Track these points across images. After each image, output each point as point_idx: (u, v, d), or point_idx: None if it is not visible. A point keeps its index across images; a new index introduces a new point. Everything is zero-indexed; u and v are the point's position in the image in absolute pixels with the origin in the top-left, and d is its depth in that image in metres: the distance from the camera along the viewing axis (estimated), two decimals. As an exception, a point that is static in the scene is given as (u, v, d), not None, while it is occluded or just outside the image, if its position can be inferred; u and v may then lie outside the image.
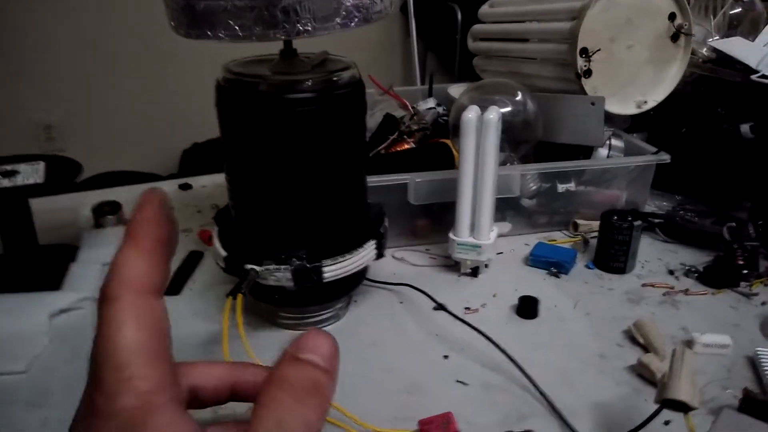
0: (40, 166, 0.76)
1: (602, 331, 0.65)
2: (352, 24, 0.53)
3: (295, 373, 0.23)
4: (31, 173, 0.74)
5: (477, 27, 1.12)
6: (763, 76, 0.84)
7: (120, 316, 0.23)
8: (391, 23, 2.65)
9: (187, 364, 0.27)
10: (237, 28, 0.50)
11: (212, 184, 1.07)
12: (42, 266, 0.78)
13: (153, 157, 2.65)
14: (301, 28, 0.51)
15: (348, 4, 0.52)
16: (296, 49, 0.60)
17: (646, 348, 0.61)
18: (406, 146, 0.97)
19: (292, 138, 0.57)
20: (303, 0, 0.50)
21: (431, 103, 1.10)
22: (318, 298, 0.64)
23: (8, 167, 0.75)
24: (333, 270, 0.61)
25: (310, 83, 0.56)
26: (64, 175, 0.75)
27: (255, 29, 0.50)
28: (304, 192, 0.59)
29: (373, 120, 1.05)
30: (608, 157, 0.86)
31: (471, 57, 1.16)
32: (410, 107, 1.07)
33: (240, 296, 0.55)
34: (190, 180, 1.07)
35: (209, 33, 0.51)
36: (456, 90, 1.13)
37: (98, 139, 2.65)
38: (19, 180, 0.73)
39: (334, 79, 0.58)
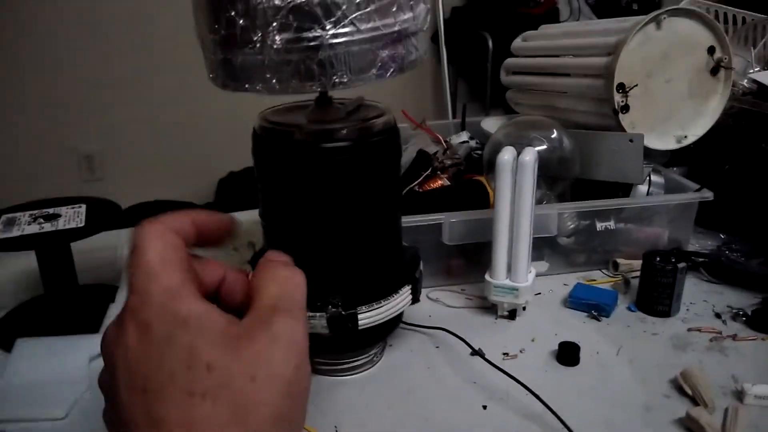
0: (82, 209, 0.78)
1: (647, 381, 0.62)
2: (388, 74, 0.53)
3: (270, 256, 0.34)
4: (73, 217, 0.76)
5: (510, 61, 1.12)
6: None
7: (149, 237, 0.30)
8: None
9: (211, 263, 0.35)
10: (274, 81, 0.51)
11: (248, 220, 1.07)
12: (82, 307, 0.79)
13: (190, 185, 2.70)
14: (337, 80, 0.51)
15: (384, 55, 0.52)
16: (331, 97, 0.60)
17: (694, 399, 0.59)
18: (440, 182, 0.97)
19: (328, 186, 0.57)
20: (339, 53, 0.50)
21: (464, 136, 1.10)
22: (353, 344, 0.64)
23: (50, 210, 0.77)
24: (368, 317, 0.60)
25: (345, 132, 0.56)
26: (104, 218, 0.77)
27: (292, 82, 0.51)
28: (340, 238, 0.59)
29: (406, 155, 1.05)
30: (648, 193, 0.84)
31: (502, 85, 1.16)
32: (443, 142, 1.07)
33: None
34: (225, 216, 1.08)
35: (247, 86, 0.52)
36: (489, 124, 1.12)
37: (136, 167, 2.72)
38: (61, 224, 0.74)
39: (369, 126, 0.58)
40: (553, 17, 2.51)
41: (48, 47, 2.48)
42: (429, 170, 0.95)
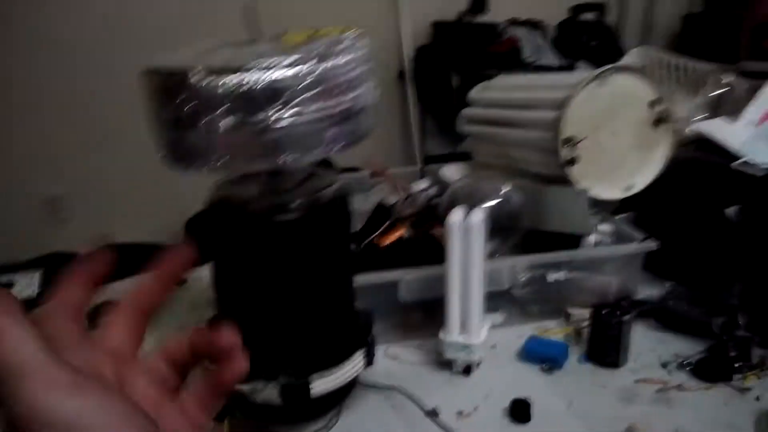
0: (36, 275, 0.77)
1: (596, 436, 0.64)
2: (337, 149, 0.55)
3: None
4: (27, 285, 0.75)
5: (467, 110, 1.15)
6: (744, 163, 0.85)
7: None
8: (388, 90, 2.70)
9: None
10: (222, 162, 0.52)
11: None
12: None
13: (158, 225, 2.67)
14: (285, 159, 0.52)
15: (331, 133, 0.54)
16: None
17: (639, 455, 0.61)
18: (400, 232, 0.99)
19: (280, 258, 0.58)
20: (286, 134, 0.51)
21: (424, 184, 1.13)
22: (307, 412, 0.64)
23: (4, 279, 0.77)
24: (321, 384, 0.61)
25: (296, 204, 0.58)
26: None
27: (240, 162, 0.52)
28: (292, 308, 0.60)
29: (368, 203, 1.07)
30: (597, 243, 0.87)
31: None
32: (402, 191, 1.09)
33: (227, 420, 0.56)
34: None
35: (196, 166, 0.53)
36: (449, 172, 1.15)
37: (103, 208, 2.69)
38: (14, 293, 0.74)
39: (320, 197, 0.59)
40: (515, 55, 2.58)
41: (11, 86, 2.46)
42: (387, 223, 0.97)
